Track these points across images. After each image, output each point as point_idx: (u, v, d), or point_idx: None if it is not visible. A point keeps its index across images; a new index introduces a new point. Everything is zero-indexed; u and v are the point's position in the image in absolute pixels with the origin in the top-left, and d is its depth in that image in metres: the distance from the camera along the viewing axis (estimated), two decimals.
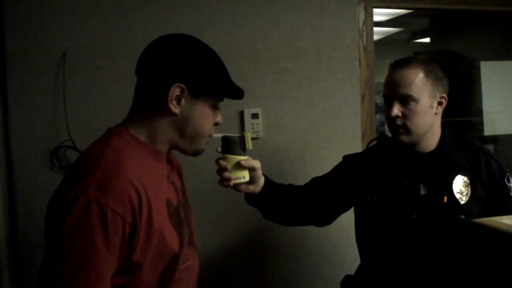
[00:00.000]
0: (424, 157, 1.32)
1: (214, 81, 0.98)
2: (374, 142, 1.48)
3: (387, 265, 1.32)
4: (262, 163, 1.18)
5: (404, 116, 1.26)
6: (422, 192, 1.28)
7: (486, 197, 1.30)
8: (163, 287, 0.92)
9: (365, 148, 1.66)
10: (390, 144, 1.37)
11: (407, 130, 1.27)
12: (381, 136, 1.51)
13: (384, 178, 1.33)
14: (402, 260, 1.29)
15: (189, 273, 1.01)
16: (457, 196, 1.27)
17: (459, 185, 1.28)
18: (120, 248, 0.83)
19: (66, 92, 1.63)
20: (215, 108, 1.00)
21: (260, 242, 1.91)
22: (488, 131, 2.71)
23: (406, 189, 1.29)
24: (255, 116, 1.85)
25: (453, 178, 1.28)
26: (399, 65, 1.28)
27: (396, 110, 1.26)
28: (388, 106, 1.28)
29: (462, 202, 1.27)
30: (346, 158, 1.46)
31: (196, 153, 1.02)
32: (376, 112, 2.16)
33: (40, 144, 1.63)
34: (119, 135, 0.94)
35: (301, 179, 1.46)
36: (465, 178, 1.29)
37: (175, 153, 1.07)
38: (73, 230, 0.79)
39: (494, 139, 2.96)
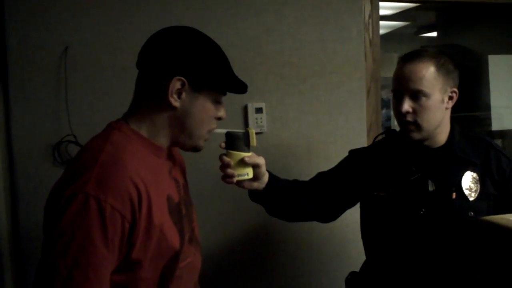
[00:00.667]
0: (433, 152, 1.29)
1: (216, 75, 0.95)
2: (381, 136, 1.46)
3: (393, 262, 1.30)
4: (266, 158, 1.15)
5: (415, 112, 1.22)
6: (431, 188, 1.25)
7: (496, 194, 1.27)
8: (163, 284, 0.91)
9: (370, 143, 1.63)
10: (397, 139, 1.35)
11: (418, 127, 1.24)
12: (388, 130, 1.48)
13: (391, 173, 1.30)
14: (408, 257, 1.27)
15: (190, 271, 0.99)
16: (466, 192, 1.24)
17: (468, 181, 1.25)
18: (119, 245, 0.81)
19: (67, 87, 1.62)
20: (217, 102, 0.98)
21: (263, 239, 1.89)
22: (496, 126, 2.68)
23: (414, 185, 1.26)
24: (259, 110, 1.83)
25: (462, 174, 1.26)
26: (409, 58, 1.24)
27: (407, 106, 1.22)
28: (398, 101, 1.24)
29: (471, 199, 1.24)
30: (352, 152, 1.44)
31: (195, 149, 1.00)
32: (382, 107, 2.13)
33: (42, 139, 1.62)
34: (119, 129, 0.92)
35: (306, 175, 1.44)
36: (475, 174, 1.26)
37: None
38: (71, 227, 0.77)
39: (502, 134, 2.93)
